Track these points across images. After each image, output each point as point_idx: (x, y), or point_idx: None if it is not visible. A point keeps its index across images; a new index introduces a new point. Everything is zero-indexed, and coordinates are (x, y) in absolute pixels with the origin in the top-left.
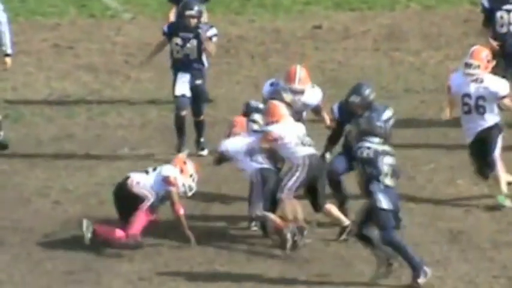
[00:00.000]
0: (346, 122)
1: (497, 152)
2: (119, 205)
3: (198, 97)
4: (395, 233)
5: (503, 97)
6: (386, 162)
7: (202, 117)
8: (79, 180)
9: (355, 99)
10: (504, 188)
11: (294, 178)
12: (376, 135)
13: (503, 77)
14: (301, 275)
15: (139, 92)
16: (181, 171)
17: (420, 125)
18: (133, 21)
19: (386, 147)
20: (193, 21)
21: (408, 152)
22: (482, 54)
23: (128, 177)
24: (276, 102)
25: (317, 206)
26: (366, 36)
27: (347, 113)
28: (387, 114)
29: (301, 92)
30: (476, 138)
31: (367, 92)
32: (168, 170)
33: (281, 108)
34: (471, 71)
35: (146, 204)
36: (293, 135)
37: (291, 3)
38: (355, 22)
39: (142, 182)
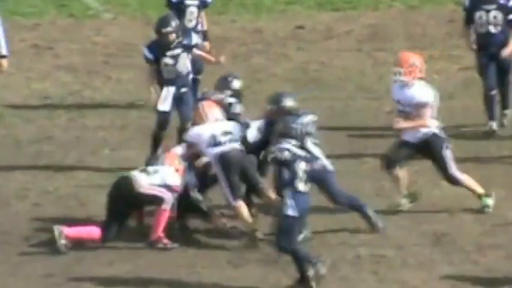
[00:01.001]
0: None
1: (454, 167)
2: (115, 205)
3: (185, 104)
4: (295, 241)
5: (426, 105)
6: (301, 167)
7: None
8: (59, 182)
9: (271, 107)
10: (480, 189)
11: (223, 184)
12: (292, 137)
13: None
14: (284, 278)
15: (119, 93)
16: (177, 171)
17: None
18: (113, 21)
19: (302, 152)
20: (173, 37)
21: None
22: (408, 60)
23: (127, 177)
24: (203, 105)
25: (259, 194)
26: (349, 37)
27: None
28: (308, 118)
29: None
30: (417, 141)
31: (284, 100)
32: (170, 177)
33: (205, 110)
34: (396, 77)
35: (167, 207)
36: (206, 137)
37: (273, 3)
38: (338, 22)
39: (150, 183)
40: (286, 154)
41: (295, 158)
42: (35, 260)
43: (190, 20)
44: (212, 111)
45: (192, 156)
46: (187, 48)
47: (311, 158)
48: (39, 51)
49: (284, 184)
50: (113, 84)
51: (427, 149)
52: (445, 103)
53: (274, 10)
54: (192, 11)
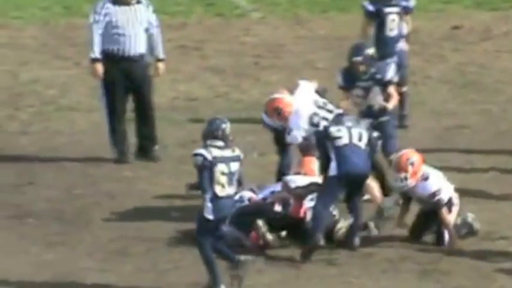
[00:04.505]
0: None
1: None
2: None
3: (385, 136)
4: (208, 243)
5: None
6: (220, 170)
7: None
8: None
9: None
10: None
11: None
12: (214, 138)
13: None
14: None
15: (268, 95)
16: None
17: None
18: (262, 20)
19: (227, 153)
20: (361, 68)
21: None
22: (273, 106)
23: None
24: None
25: None
26: (508, 37)
27: None
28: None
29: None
30: None
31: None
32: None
33: None
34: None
35: None
36: None
37: (429, 2)
38: (496, 22)
39: None
40: (198, 159)
41: (210, 162)
42: (181, 268)
43: (392, 29)
44: None
45: None
46: (380, 82)
47: (235, 158)
48: (186, 52)
49: (204, 187)
50: (262, 87)
51: None
52: None
53: (431, 9)
54: (393, 19)
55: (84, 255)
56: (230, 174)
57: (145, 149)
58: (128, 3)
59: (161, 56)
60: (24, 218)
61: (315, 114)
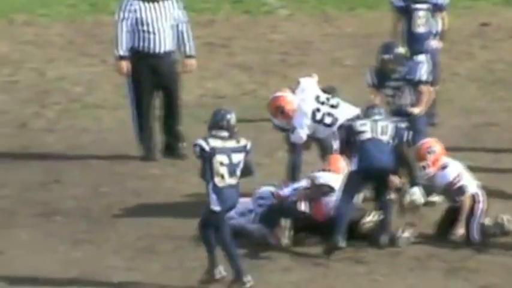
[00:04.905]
0: None
1: None
2: None
3: (415, 132)
4: (212, 235)
5: None
6: (218, 160)
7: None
8: None
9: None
10: None
11: None
12: (219, 128)
13: None
14: (467, 286)
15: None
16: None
17: None
18: (290, 18)
19: (230, 143)
20: (391, 66)
21: None
22: (273, 106)
23: None
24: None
25: None
26: None
27: None
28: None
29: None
30: None
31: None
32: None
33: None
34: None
35: None
36: None
37: None
38: None
39: None
40: (196, 150)
41: (207, 153)
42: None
43: (419, 25)
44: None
45: None
46: (411, 83)
47: (237, 149)
48: (214, 49)
49: (206, 179)
50: (289, 84)
51: None
52: None
53: (458, 6)
54: (421, 16)
55: (111, 254)
56: (231, 165)
57: (172, 147)
58: (155, 0)
59: (191, 52)
60: (51, 216)
61: (318, 110)
